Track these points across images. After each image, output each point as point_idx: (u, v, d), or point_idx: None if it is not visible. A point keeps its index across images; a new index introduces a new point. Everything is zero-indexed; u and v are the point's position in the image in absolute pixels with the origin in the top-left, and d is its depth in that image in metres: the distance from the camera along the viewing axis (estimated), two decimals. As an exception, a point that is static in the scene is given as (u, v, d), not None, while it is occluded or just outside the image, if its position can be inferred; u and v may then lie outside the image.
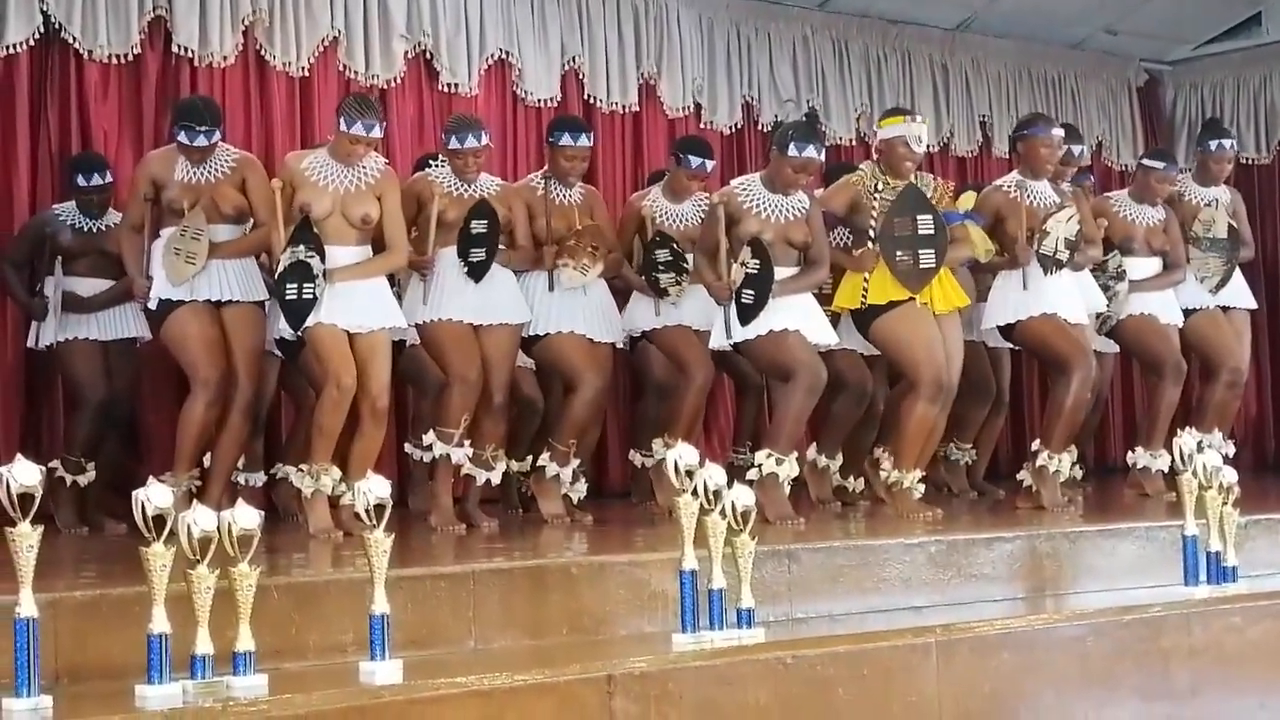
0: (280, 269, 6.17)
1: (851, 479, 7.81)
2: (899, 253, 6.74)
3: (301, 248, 6.15)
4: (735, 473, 7.94)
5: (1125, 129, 12.05)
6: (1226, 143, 8.33)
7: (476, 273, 6.62)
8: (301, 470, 6.25)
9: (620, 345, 7.37)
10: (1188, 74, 12.25)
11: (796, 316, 6.58)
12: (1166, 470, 7.74)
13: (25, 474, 3.54)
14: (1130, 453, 8.04)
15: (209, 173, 6.51)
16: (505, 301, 6.73)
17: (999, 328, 7.33)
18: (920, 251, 6.74)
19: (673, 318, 7.21)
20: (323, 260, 6.16)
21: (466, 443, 6.63)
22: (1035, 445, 7.22)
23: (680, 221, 7.31)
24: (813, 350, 6.60)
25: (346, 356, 6.19)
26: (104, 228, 7.25)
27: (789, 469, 6.53)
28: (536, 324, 6.86)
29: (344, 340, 6.22)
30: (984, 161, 11.25)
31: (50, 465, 7.01)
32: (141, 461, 7.56)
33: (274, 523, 6.69)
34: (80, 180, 7.25)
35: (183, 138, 6.45)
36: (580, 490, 7.04)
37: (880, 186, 6.87)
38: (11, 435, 7.57)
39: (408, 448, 7.04)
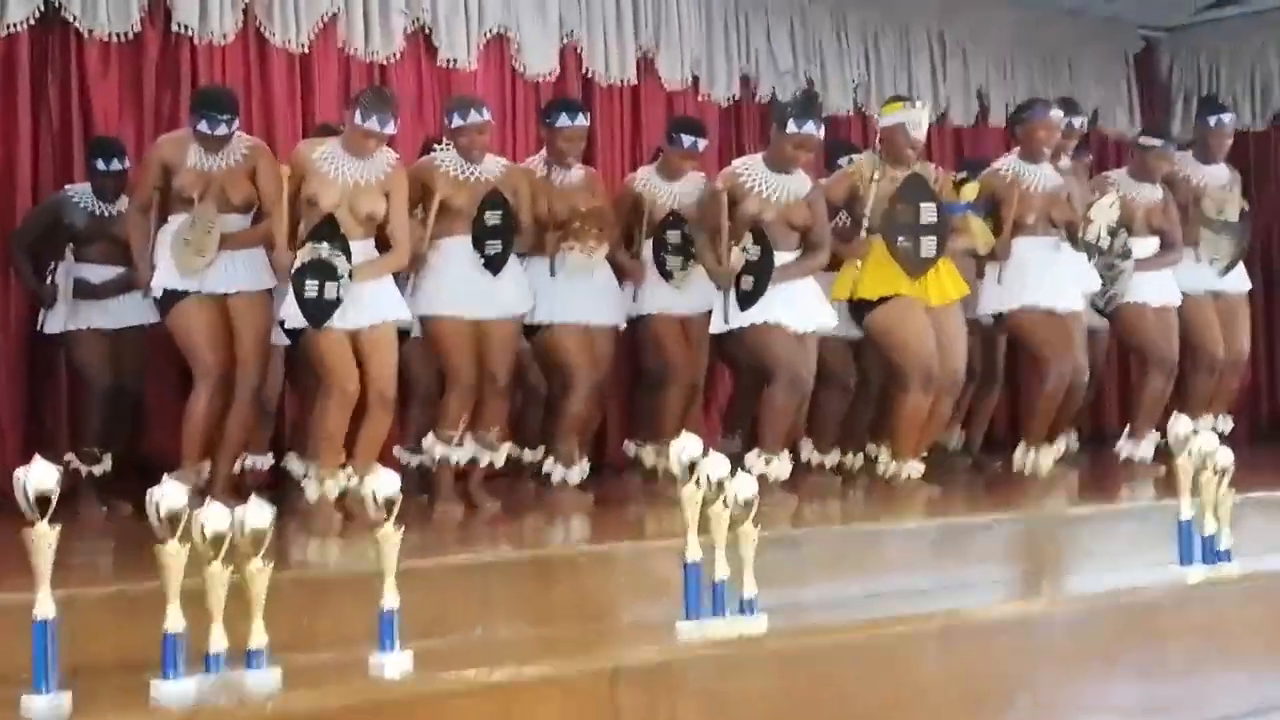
0: (298, 264, 6.10)
1: (850, 455, 7.87)
2: (900, 238, 6.77)
3: (325, 245, 6.09)
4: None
5: (1121, 97, 12.09)
6: (1226, 118, 8.35)
7: (494, 266, 6.62)
8: (309, 475, 6.24)
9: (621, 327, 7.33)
10: (1185, 41, 12.27)
11: (787, 309, 6.61)
12: (1152, 453, 7.87)
13: (42, 476, 3.59)
14: (1118, 443, 8.10)
15: (222, 161, 6.52)
16: (509, 293, 6.72)
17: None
18: (922, 239, 6.78)
19: (655, 305, 7.23)
20: (349, 260, 6.10)
21: (467, 439, 6.66)
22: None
23: (673, 200, 7.32)
24: (796, 348, 6.60)
25: (350, 362, 6.18)
26: (117, 213, 7.22)
27: (779, 468, 6.55)
28: (537, 312, 6.87)
29: (347, 344, 6.19)
30: (981, 132, 11.29)
31: (65, 459, 7.06)
32: (146, 442, 7.60)
33: (280, 502, 6.73)
34: (100, 164, 7.23)
35: (203, 127, 6.45)
36: (583, 470, 7.09)
37: (878, 175, 6.90)
38: (17, 420, 7.65)
39: (397, 451, 7.02)
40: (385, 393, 6.27)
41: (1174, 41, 12.32)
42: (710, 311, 6.92)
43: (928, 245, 6.78)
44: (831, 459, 7.68)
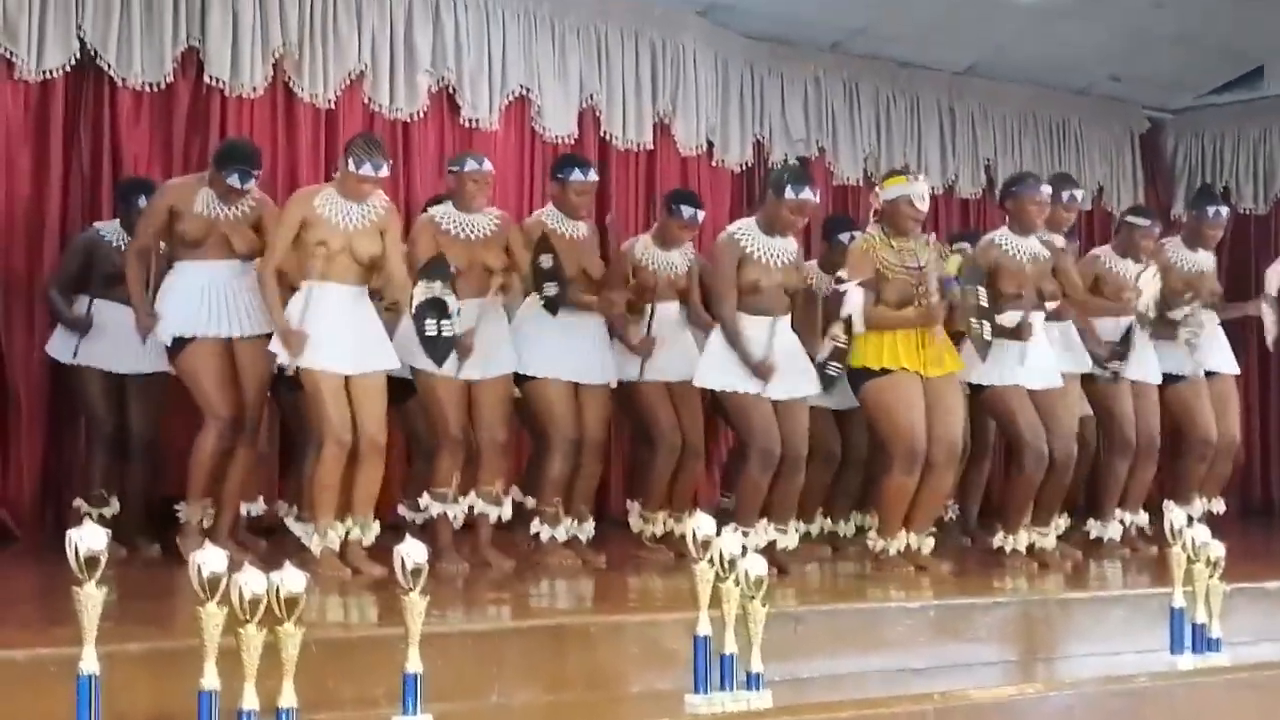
0: (416, 302, 6.41)
1: (842, 523, 8.02)
2: (971, 320, 6.93)
3: (438, 283, 6.43)
4: (723, 517, 8.19)
5: (1126, 175, 12.35)
6: (1224, 211, 8.48)
7: (553, 306, 6.88)
8: (309, 529, 6.37)
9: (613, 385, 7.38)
10: (1189, 123, 12.52)
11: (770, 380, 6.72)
12: (1119, 537, 8.08)
13: (92, 538, 3.76)
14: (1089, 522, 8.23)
15: (231, 210, 6.72)
16: (498, 353, 6.86)
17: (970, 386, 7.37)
18: (984, 321, 6.95)
19: (648, 372, 7.32)
20: (458, 297, 6.48)
21: (462, 499, 6.81)
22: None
23: (669, 270, 7.45)
24: (772, 420, 6.70)
25: (346, 412, 6.32)
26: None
27: (754, 540, 6.51)
28: (527, 364, 6.99)
29: (343, 393, 6.34)
30: (987, 204, 11.49)
31: (74, 504, 7.25)
32: (163, 485, 7.72)
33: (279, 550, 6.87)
34: (142, 202, 7.20)
35: (235, 181, 6.66)
36: (588, 530, 7.24)
37: (890, 247, 6.99)
38: (35, 462, 7.89)
39: (401, 509, 7.15)
40: (375, 439, 6.38)
41: (1179, 123, 12.56)
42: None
43: (988, 328, 6.95)
44: (816, 527, 7.81)
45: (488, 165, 6.94)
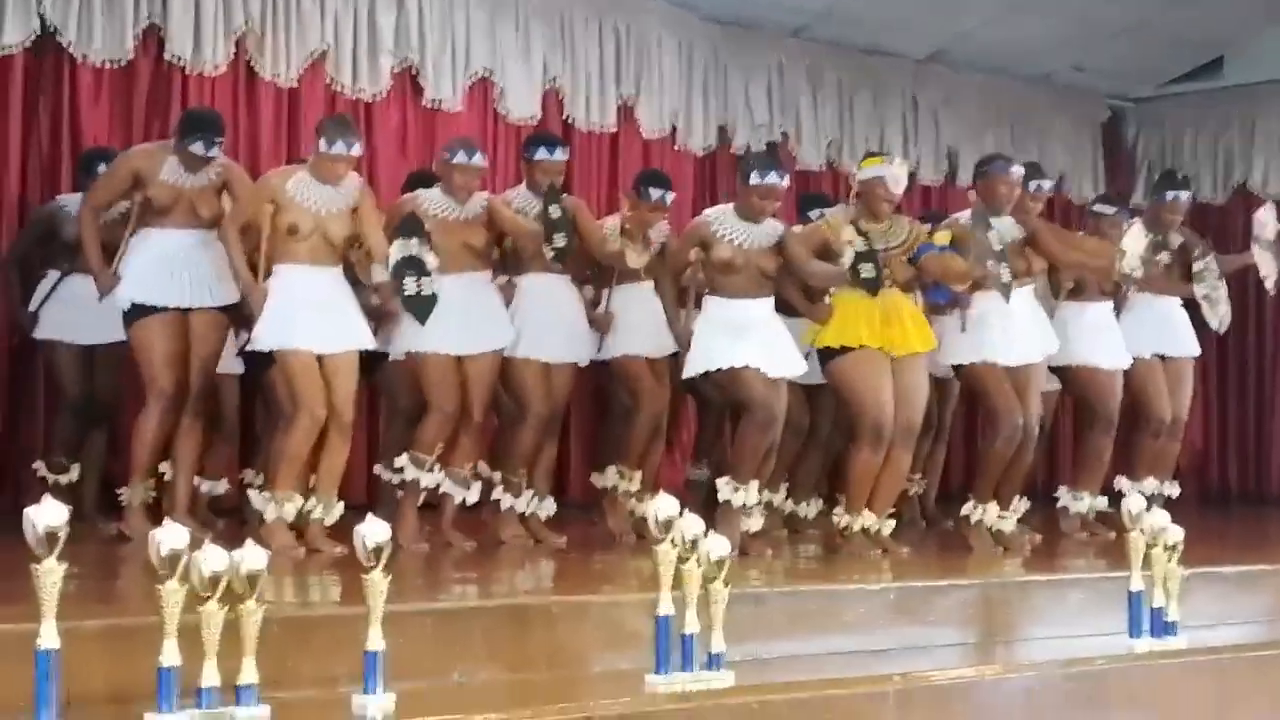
0: (394, 261, 6.40)
1: (804, 505, 8.06)
2: (989, 263, 7.01)
3: (414, 241, 6.40)
4: (691, 488, 8.27)
5: (1087, 164, 12.40)
6: (1183, 196, 8.47)
7: (562, 256, 6.88)
8: (266, 496, 6.39)
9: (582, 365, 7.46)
10: (1150, 112, 12.59)
11: (757, 352, 6.75)
12: (1085, 511, 8.14)
13: (50, 514, 3.73)
14: (1059, 490, 8.35)
15: (197, 179, 6.66)
16: (490, 328, 6.89)
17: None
18: (1002, 264, 7.02)
19: (623, 348, 7.43)
20: (435, 256, 6.44)
21: (437, 468, 6.84)
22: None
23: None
24: (768, 385, 6.74)
25: (319, 386, 6.33)
26: (111, 221, 7.35)
27: (745, 496, 6.69)
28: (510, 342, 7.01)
29: (316, 368, 6.35)
30: (948, 191, 11.54)
31: (33, 466, 7.25)
32: (120, 461, 7.71)
33: (241, 527, 6.86)
34: (103, 169, 7.17)
35: (198, 148, 6.58)
36: (549, 508, 7.25)
37: (860, 228, 6.99)
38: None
39: (378, 469, 7.19)
40: (343, 418, 6.41)
41: (1140, 112, 12.62)
42: (674, 353, 7.19)
43: (1006, 271, 7.01)
44: (779, 498, 7.87)
45: (478, 159, 6.88)
